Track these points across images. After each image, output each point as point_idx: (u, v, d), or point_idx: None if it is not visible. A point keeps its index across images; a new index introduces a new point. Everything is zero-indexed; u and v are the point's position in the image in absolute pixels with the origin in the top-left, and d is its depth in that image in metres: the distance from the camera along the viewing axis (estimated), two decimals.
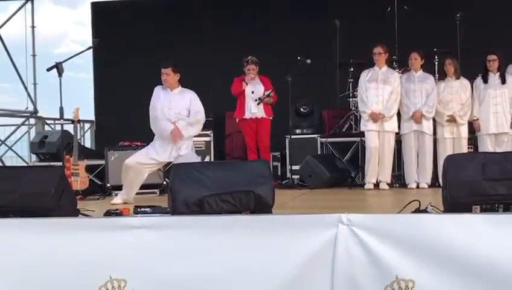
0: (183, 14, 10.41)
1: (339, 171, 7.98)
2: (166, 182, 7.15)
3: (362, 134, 7.61)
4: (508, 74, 7.40)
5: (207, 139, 8.63)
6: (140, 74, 9.53)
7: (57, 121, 9.81)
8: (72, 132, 7.45)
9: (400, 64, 8.33)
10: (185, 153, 6.12)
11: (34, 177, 4.00)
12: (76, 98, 10.98)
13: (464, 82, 7.43)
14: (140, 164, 6.14)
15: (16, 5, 10.74)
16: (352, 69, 8.79)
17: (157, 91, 6.30)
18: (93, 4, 11.14)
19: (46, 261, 3.34)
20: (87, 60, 10.89)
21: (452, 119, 7.36)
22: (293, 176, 8.03)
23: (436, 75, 7.92)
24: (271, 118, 7.88)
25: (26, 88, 10.43)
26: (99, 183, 7.96)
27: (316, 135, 8.48)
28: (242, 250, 3.28)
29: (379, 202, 6.57)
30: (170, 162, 6.24)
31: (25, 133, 10.50)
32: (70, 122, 7.44)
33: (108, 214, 4.79)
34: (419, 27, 8.97)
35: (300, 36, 9.57)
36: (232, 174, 3.93)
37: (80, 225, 3.46)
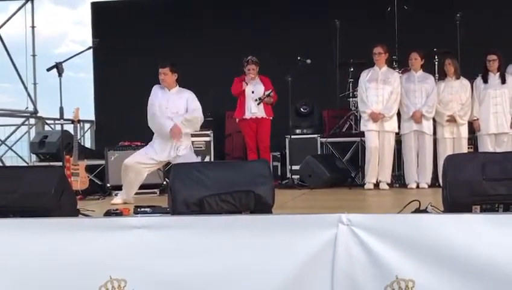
0: (183, 14, 10.41)
1: (339, 171, 7.98)
2: (166, 182, 7.15)
3: (362, 134, 7.61)
4: (508, 74, 7.40)
5: (207, 139, 8.63)
6: (141, 73, 9.48)
7: (57, 121, 9.81)
8: (72, 132, 7.45)
9: (400, 64, 8.33)
10: (184, 153, 6.11)
11: (34, 177, 4.00)
12: (76, 98, 11.01)
13: (464, 82, 7.43)
14: (140, 163, 6.14)
15: (16, 5, 10.74)
16: (352, 69, 8.79)
17: (155, 90, 6.30)
18: (93, 4, 11.13)
19: (46, 261, 3.34)
20: (87, 60, 10.91)
21: (452, 119, 7.36)
22: (293, 176, 8.03)
23: (436, 75, 7.92)
24: (271, 118, 7.87)
25: (26, 88, 10.43)
26: (99, 183, 7.96)
27: (316, 135, 8.48)
28: (242, 250, 3.28)
29: (379, 202, 6.57)
30: (170, 162, 6.25)
31: (25, 133, 10.49)
32: (70, 122, 7.43)
33: (108, 214, 4.80)
34: (419, 27, 8.97)
35: (300, 36, 9.56)
36: (232, 174, 3.93)
37: (80, 225, 3.46)
